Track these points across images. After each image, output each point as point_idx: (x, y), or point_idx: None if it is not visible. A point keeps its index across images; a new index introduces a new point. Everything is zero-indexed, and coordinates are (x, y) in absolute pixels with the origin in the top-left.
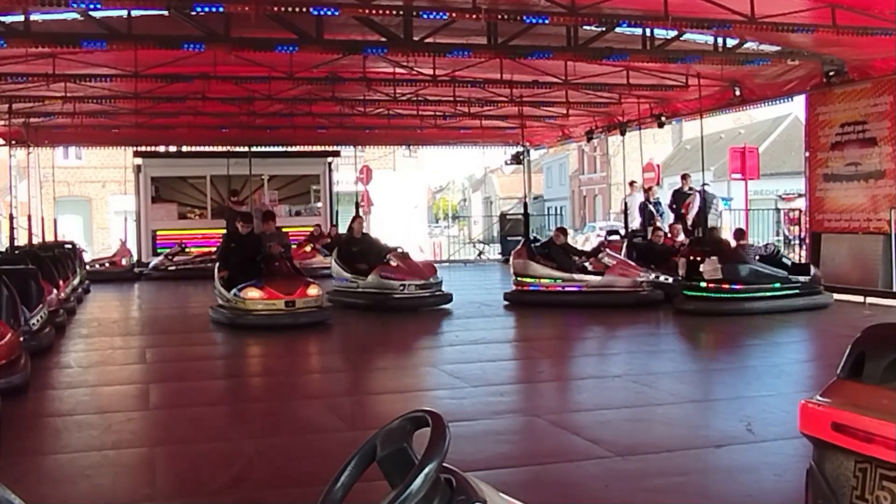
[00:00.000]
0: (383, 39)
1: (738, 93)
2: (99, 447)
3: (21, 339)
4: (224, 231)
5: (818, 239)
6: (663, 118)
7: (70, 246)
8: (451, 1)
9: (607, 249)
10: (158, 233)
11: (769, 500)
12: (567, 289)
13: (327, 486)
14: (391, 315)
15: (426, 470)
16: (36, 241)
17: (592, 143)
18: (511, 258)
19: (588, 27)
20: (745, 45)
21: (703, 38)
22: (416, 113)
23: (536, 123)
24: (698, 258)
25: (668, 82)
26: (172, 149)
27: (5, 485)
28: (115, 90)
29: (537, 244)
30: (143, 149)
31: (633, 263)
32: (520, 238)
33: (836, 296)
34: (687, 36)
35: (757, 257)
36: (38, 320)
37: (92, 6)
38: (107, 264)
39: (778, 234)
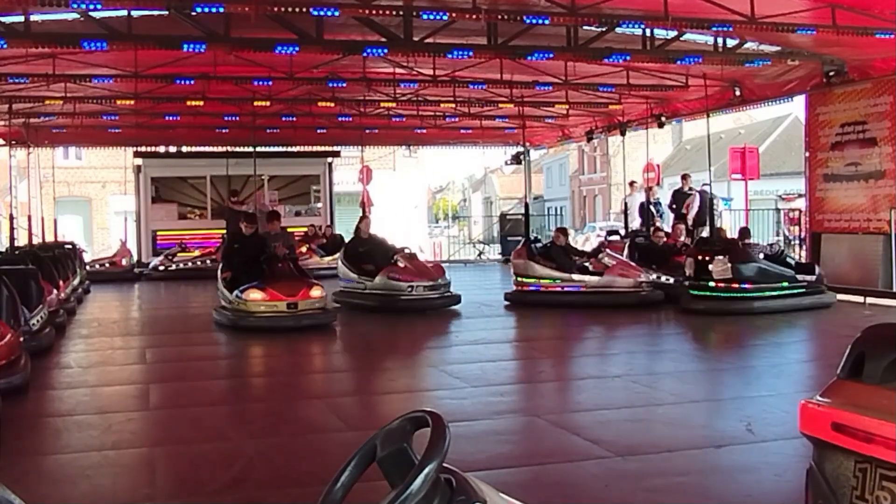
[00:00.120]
0: (383, 39)
1: (738, 93)
2: (99, 447)
3: (21, 339)
4: (224, 231)
5: (818, 239)
6: (663, 118)
7: (70, 246)
8: (451, 1)
9: (607, 250)
10: (158, 233)
11: (769, 500)
12: (566, 289)
13: (327, 487)
14: (398, 316)
15: (426, 470)
16: (36, 241)
17: (592, 144)
18: (511, 258)
19: (588, 27)
20: (745, 45)
21: (703, 38)
22: (417, 113)
23: (536, 123)
24: (707, 258)
25: (668, 82)
26: (172, 149)
27: (5, 485)
28: (115, 90)
29: (538, 244)
30: (143, 149)
31: (632, 264)
32: (520, 238)
33: (836, 296)
34: (687, 36)
35: (762, 256)
36: (38, 320)
37: (92, 6)
38: (107, 264)
39: (778, 235)
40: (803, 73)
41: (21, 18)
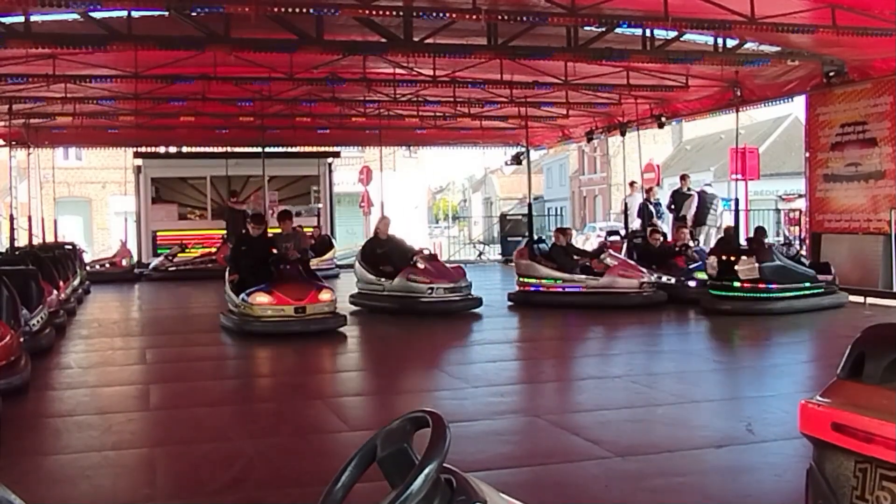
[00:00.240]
0: (383, 40)
1: (738, 93)
2: (99, 448)
3: (21, 339)
4: (224, 232)
5: (818, 239)
6: (663, 118)
7: (70, 247)
8: (451, 1)
9: (610, 250)
10: (158, 233)
11: (769, 500)
12: (568, 289)
13: (327, 487)
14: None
15: (426, 470)
16: (36, 241)
17: (592, 144)
18: (514, 258)
19: (588, 28)
20: (745, 46)
21: (703, 39)
22: (417, 113)
23: (536, 124)
24: (732, 258)
25: (668, 83)
26: (172, 149)
27: (5, 485)
28: (115, 91)
29: (542, 244)
30: (143, 150)
31: (635, 264)
32: (520, 238)
33: (847, 295)
34: (687, 36)
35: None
36: (38, 321)
37: (92, 7)
38: (107, 265)
39: (778, 235)
40: (803, 74)
41: (21, 19)
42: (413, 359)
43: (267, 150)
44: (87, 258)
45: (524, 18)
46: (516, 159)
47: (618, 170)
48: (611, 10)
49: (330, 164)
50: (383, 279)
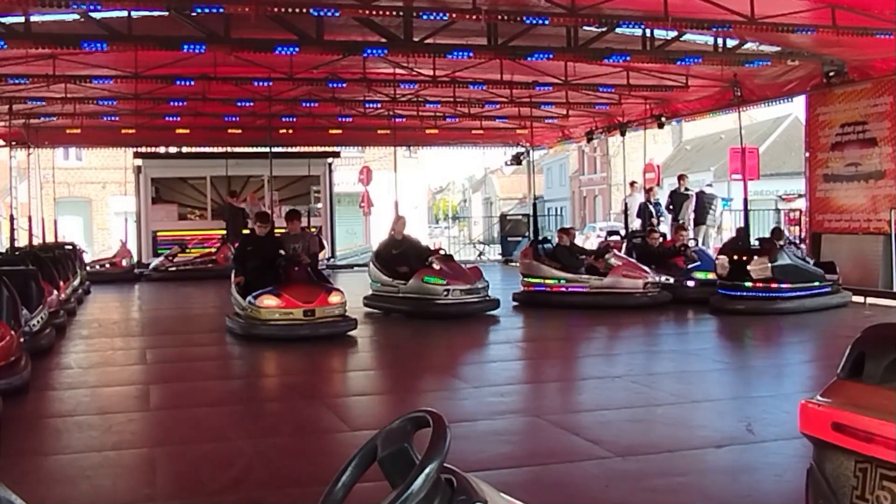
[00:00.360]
0: (383, 40)
1: (738, 93)
2: (99, 448)
3: (21, 340)
4: (224, 232)
5: (818, 239)
6: (663, 119)
7: (70, 247)
8: (451, 1)
9: (615, 250)
10: (159, 234)
11: (769, 500)
12: (572, 289)
13: (328, 487)
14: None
15: (427, 470)
16: (36, 242)
17: (592, 144)
18: (518, 258)
19: (588, 28)
20: (745, 46)
21: (703, 39)
22: (417, 114)
23: (537, 124)
24: (745, 258)
25: (668, 83)
26: (172, 150)
27: (6, 485)
28: (115, 91)
29: (546, 244)
30: (143, 150)
31: (639, 265)
32: (520, 238)
33: (850, 294)
34: (687, 36)
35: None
36: (38, 321)
37: (92, 7)
38: (107, 265)
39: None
40: (803, 74)
41: (21, 19)
42: (416, 360)
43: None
44: (87, 258)
45: (524, 18)
46: (516, 159)
47: (618, 170)
48: (611, 10)
49: (330, 164)
50: (398, 280)
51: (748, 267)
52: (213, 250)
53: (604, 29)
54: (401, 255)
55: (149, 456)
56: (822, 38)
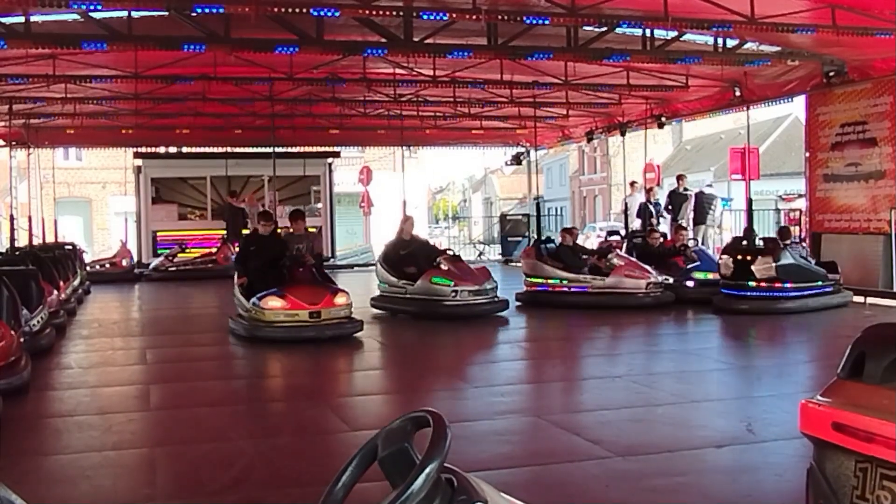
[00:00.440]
0: (383, 40)
1: (738, 93)
2: (99, 448)
3: (21, 340)
4: (224, 232)
5: (818, 239)
6: (663, 118)
7: (70, 247)
8: (451, 1)
9: (618, 250)
10: (159, 234)
11: (769, 500)
12: (574, 289)
13: (328, 487)
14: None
15: (427, 470)
16: (36, 242)
17: (592, 144)
18: (521, 258)
19: (588, 28)
20: (745, 46)
21: (703, 39)
22: (417, 114)
23: (537, 124)
24: (749, 257)
25: (668, 83)
26: (173, 150)
27: (6, 485)
28: (115, 91)
29: (549, 244)
30: (143, 150)
31: (642, 265)
32: (520, 238)
33: (851, 294)
34: (687, 36)
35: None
36: (38, 321)
37: (92, 7)
38: (107, 265)
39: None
40: (803, 74)
41: (21, 19)
42: (419, 360)
43: (269, 149)
44: (87, 258)
45: (524, 18)
46: (516, 159)
47: (618, 170)
48: (611, 10)
49: (330, 164)
50: (405, 281)
51: (752, 267)
52: (214, 250)
53: (604, 29)
54: (408, 256)
55: (149, 456)
56: (822, 38)
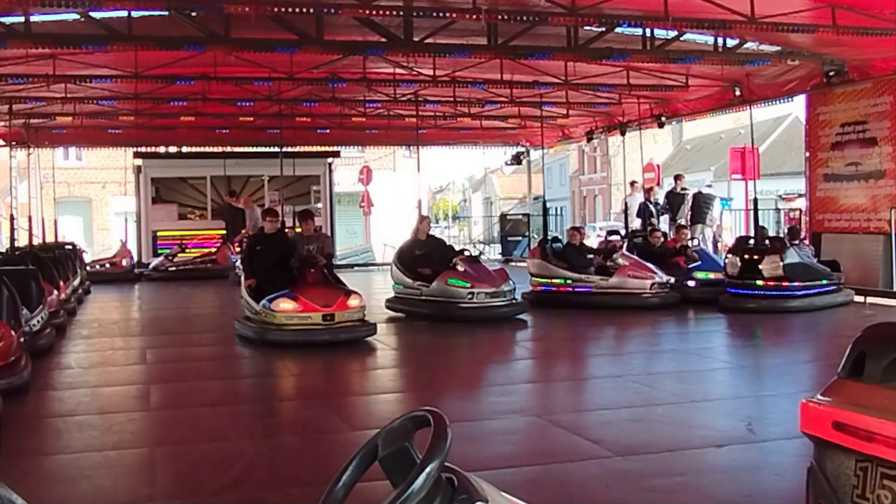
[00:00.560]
0: (383, 40)
1: (738, 93)
2: (100, 448)
3: (21, 339)
4: (223, 231)
5: (818, 239)
6: (663, 118)
7: (70, 247)
8: (451, 1)
9: (623, 250)
10: (159, 233)
11: (770, 499)
12: (577, 289)
13: (328, 486)
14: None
15: (428, 469)
16: (36, 241)
17: (592, 144)
18: (527, 258)
19: (588, 27)
20: (745, 45)
21: (703, 38)
22: (416, 113)
23: (536, 124)
24: (756, 256)
25: (668, 82)
26: (173, 149)
27: (6, 485)
28: (115, 91)
29: (556, 244)
30: (143, 150)
31: (647, 265)
32: (520, 238)
33: (853, 293)
34: (687, 36)
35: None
36: (38, 321)
37: (92, 7)
38: (107, 265)
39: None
40: (803, 73)
41: (21, 19)
42: (413, 358)
43: (269, 149)
44: (87, 258)
45: (524, 18)
46: (516, 159)
47: (618, 170)
48: (611, 9)
49: (330, 164)
50: (420, 282)
51: (760, 265)
52: (214, 250)
53: (604, 29)
54: (424, 257)
55: (149, 456)
56: (822, 37)
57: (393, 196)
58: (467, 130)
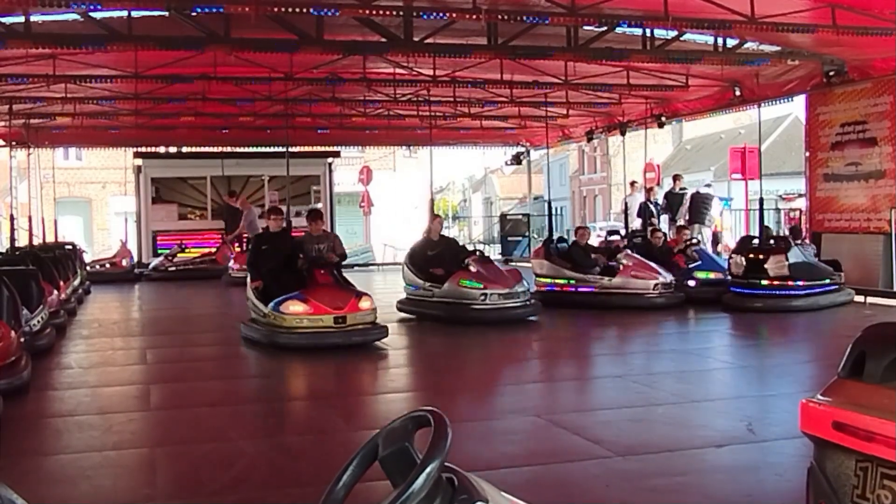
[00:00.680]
0: (383, 40)
1: (738, 93)
2: (100, 448)
3: (22, 339)
4: (223, 231)
5: (819, 239)
6: (663, 118)
7: (70, 247)
8: (451, 1)
9: (627, 251)
10: (158, 234)
11: (770, 499)
12: (580, 290)
13: (329, 486)
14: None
15: (428, 469)
16: (36, 242)
17: (592, 144)
18: (531, 258)
19: (588, 27)
20: (745, 45)
21: (703, 38)
22: (417, 113)
23: (536, 124)
24: (761, 256)
25: (668, 82)
26: (173, 150)
27: (7, 485)
28: (115, 91)
29: (563, 243)
30: (143, 150)
31: (651, 265)
32: (520, 238)
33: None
34: (687, 36)
35: None
36: (38, 321)
37: (92, 7)
38: (107, 265)
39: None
40: (803, 73)
41: (21, 19)
42: (412, 358)
43: (270, 149)
44: (87, 258)
45: (524, 18)
46: (516, 159)
47: (618, 170)
48: (611, 9)
49: (330, 164)
50: (431, 284)
51: (766, 265)
52: (213, 250)
53: (604, 29)
54: (436, 257)
55: (149, 456)
56: (822, 37)
57: (393, 196)
58: (467, 130)
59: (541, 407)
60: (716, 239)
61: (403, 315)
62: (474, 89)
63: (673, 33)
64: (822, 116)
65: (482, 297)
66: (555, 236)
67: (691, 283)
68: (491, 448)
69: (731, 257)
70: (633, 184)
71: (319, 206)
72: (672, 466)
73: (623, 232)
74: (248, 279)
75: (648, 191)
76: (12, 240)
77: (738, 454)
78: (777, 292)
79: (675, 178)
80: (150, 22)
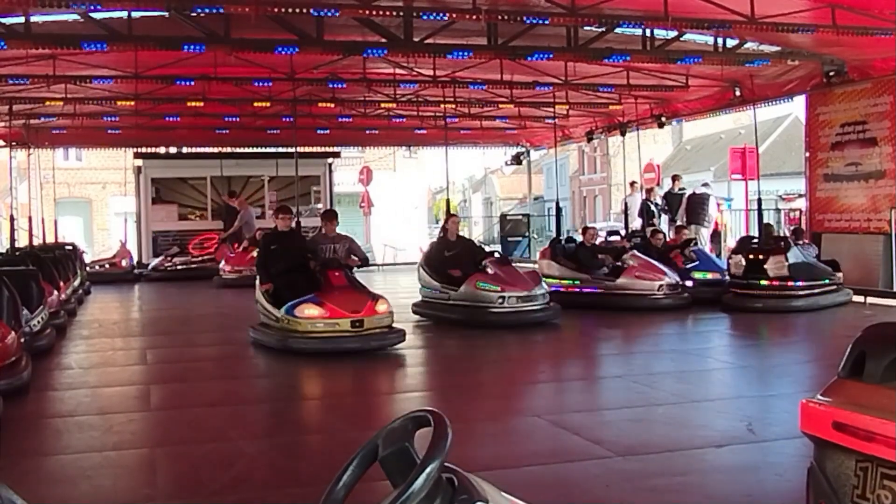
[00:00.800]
0: (383, 40)
1: (738, 93)
2: (100, 448)
3: (22, 340)
4: (222, 231)
5: (819, 239)
6: (663, 118)
7: (70, 247)
8: (451, 2)
9: (634, 251)
10: (159, 234)
11: (770, 499)
12: (585, 290)
13: (329, 486)
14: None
15: (428, 469)
16: (36, 242)
17: (592, 144)
18: (538, 258)
19: (588, 28)
20: (745, 45)
21: (703, 39)
22: (417, 114)
23: (536, 124)
24: (761, 256)
25: (668, 82)
26: (173, 150)
27: (7, 485)
28: (115, 91)
29: (570, 243)
30: (143, 150)
31: (656, 266)
32: (520, 238)
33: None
34: (687, 36)
35: None
36: (38, 321)
37: (92, 7)
38: (107, 265)
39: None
40: (803, 73)
41: (21, 19)
42: (412, 358)
43: (270, 150)
44: (87, 259)
45: (524, 18)
46: (516, 159)
47: (618, 170)
48: (611, 10)
49: (330, 165)
50: (448, 286)
51: (765, 265)
52: (213, 250)
53: (604, 29)
54: (452, 259)
55: (149, 456)
56: (822, 37)
57: (393, 196)
58: (467, 130)
59: (541, 407)
60: (718, 237)
61: (416, 317)
62: (474, 89)
63: (673, 33)
64: (822, 116)
65: (500, 300)
66: (562, 237)
67: (689, 283)
68: (491, 448)
69: (730, 257)
70: (632, 184)
71: (319, 206)
72: (672, 466)
73: (623, 232)
74: (258, 282)
75: (649, 191)
76: (12, 240)
77: (738, 454)
78: (777, 292)
79: (674, 178)
80: (150, 22)
